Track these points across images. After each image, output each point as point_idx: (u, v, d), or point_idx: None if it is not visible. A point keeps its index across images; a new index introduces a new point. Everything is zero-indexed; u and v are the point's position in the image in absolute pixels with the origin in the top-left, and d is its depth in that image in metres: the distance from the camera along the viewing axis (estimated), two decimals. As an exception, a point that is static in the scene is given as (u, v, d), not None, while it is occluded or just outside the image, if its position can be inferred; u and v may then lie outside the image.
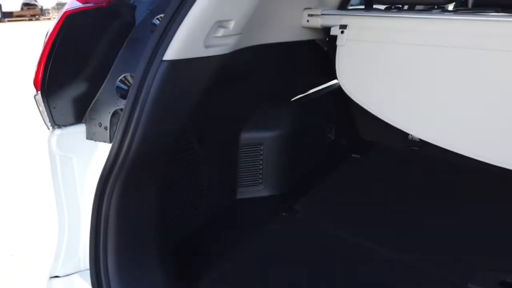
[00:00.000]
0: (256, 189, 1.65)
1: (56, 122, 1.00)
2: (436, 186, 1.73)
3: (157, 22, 1.05)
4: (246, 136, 1.59)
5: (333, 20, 1.60)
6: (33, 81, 0.92)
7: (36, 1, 16.85)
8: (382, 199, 1.65)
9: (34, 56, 0.99)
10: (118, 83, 1.01)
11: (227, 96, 1.46)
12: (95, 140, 1.04)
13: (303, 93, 1.87)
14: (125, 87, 1.01)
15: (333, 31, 1.60)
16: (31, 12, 16.34)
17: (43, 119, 0.99)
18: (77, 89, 1.01)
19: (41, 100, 0.94)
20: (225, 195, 1.58)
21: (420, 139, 1.71)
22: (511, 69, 1.23)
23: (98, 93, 1.03)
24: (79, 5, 0.96)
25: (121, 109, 0.99)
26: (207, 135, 1.42)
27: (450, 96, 1.35)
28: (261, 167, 1.63)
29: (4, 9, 15.32)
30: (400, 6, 1.60)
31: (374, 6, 1.82)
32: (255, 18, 1.38)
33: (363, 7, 1.95)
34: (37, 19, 16.21)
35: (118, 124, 0.94)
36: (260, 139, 1.60)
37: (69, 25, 0.94)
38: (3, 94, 4.95)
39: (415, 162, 1.95)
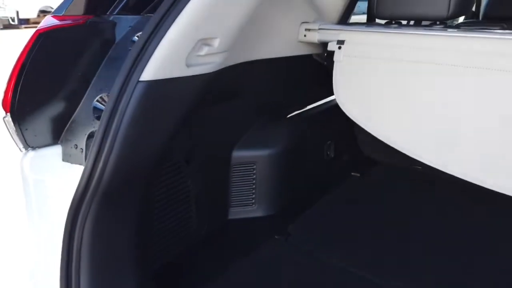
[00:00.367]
0: (249, 209, 1.58)
1: (29, 144, 0.95)
2: (440, 209, 1.65)
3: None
4: (239, 154, 1.53)
5: (331, 35, 1.54)
6: (1, 102, 0.88)
7: (52, 8, 17.06)
8: (381, 222, 1.57)
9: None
10: (95, 103, 0.97)
11: (218, 114, 1.40)
12: (71, 163, 0.99)
13: (301, 109, 1.80)
14: (102, 108, 0.96)
15: (330, 47, 1.54)
16: (46, 19, 16.53)
17: (14, 141, 0.94)
18: (52, 109, 0.97)
19: (11, 122, 0.90)
20: (215, 216, 1.52)
21: None
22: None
23: (75, 114, 0.98)
24: (54, 22, 0.92)
25: None
26: (195, 154, 1.36)
27: (452, 118, 1.28)
28: (254, 186, 1.56)
29: (21, 16, 15.58)
30: (401, 21, 1.53)
31: (377, 21, 1.76)
32: (247, 33, 1.33)
33: (364, 21, 1.88)
34: (51, 27, 16.36)
35: (91, 147, 0.89)
36: (253, 158, 1.54)
37: (42, 43, 0.90)
38: None
39: (418, 182, 1.86)
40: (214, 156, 1.46)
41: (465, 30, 1.27)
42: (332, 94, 1.90)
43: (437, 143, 1.31)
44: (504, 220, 1.55)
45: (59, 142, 0.99)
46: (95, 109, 0.96)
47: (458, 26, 1.42)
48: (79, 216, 0.94)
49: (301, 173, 1.73)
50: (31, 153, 0.96)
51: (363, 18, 2.22)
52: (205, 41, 1.01)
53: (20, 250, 1.92)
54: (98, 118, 0.95)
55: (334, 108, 1.91)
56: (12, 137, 0.94)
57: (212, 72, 1.09)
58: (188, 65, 0.99)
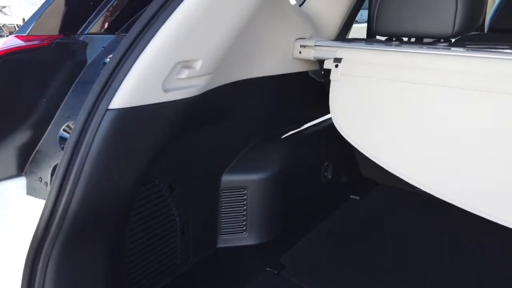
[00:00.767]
0: (239, 237, 1.48)
1: (-12, 176, 0.86)
2: (443, 236, 1.54)
3: (112, 61, 0.92)
4: (228, 178, 1.43)
5: (327, 53, 1.45)
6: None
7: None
8: (381, 251, 1.46)
9: None
10: (61, 132, 0.88)
11: (206, 136, 1.31)
12: (35, 197, 0.90)
13: (296, 129, 1.71)
14: (70, 137, 0.87)
15: (327, 65, 1.45)
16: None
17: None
18: (15, 138, 0.88)
19: (-35, 153, 0.81)
20: (203, 244, 1.42)
21: None
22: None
23: (40, 144, 0.89)
24: (17, 43, 0.83)
25: None
26: (180, 179, 1.27)
27: (455, 144, 1.18)
28: (244, 213, 1.46)
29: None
30: (402, 38, 1.44)
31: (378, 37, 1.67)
32: (237, 52, 1.25)
33: (363, 37, 1.79)
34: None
35: (52, 182, 0.80)
36: (244, 182, 1.45)
37: (3, 66, 0.81)
38: None
39: (421, 206, 1.75)
40: (201, 181, 1.36)
41: (472, 49, 1.18)
42: (329, 112, 1.81)
43: (440, 172, 1.21)
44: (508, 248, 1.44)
45: (23, 174, 0.90)
46: (62, 139, 0.87)
47: (463, 43, 1.32)
48: (42, 254, 0.85)
49: (296, 197, 1.63)
50: (-9, 186, 0.87)
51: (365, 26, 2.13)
52: (185, 64, 0.92)
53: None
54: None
55: (332, 127, 1.81)
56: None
57: (195, 96, 1.00)
58: (165, 90, 0.90)
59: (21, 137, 0.90)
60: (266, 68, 1.45)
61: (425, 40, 1.40)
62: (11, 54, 0.84)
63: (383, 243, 1.52)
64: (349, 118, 1.40)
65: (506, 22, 2.20)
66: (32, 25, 0.84)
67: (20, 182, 0.91)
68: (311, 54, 1.49)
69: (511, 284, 1.26)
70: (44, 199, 0.89)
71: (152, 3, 0.88)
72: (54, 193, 0.81)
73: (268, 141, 1.56)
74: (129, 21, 0.95)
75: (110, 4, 0.95)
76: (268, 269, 1.36)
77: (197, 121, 1.17)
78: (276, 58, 1.48)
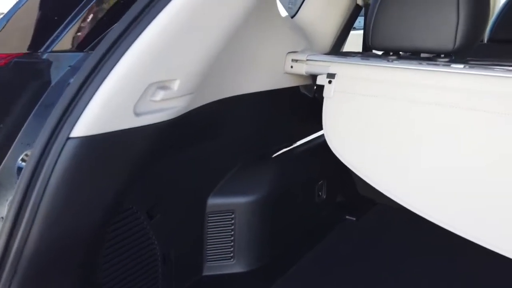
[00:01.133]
0: (226, 264, 1.38)
1: None
2: (441, 260, 1.44)
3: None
4: (215, 202, 1.34)
5: (320, 68, 1.37)
6: None
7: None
8: (379, 276, 1.37)
9: None
10: (19, 162, 0.79)
11: (189, 158, 1.22)
12: (-9, 233, 0.81)
13: (288, 146, 1.62)
14: (29, 168, 0.78)
15: (320, 80, 1.36)
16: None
17: None
18: (-32, 168, 0.79)
19: None
20: (187, 272, 1.32)
21: None
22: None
23: None
24: (-31, 63, 0.75)
25: None
26: (161, 205, 1.17)
27: (454, 167, 1.09)
28: (232, 238, 1.37)
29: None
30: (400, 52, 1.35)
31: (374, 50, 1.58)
32: (223, 68, 1.16)
33: (359, 50, 1.71)
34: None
35: (4, 218, 0.71)
36: (231, 206, 1.35)
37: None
38: None
39: (419, 225, 1.66)
40: (185, 205, 1.27)
41: (473, 66, 1.10)
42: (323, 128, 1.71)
43: (437, 196, 1.12)
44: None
45: (-21, 206, 0.81)
46: (19, 169, 0.78)
47: (465, 59, 1.24)
48: None
49: (289, 219, 1.53)
50: None
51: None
52: (160, 84, 0.84)
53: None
54: (23, 180, 0.77)
55: (326, 143, 1.73)
56: None
57: (173, 118, 0.91)
58: (137, 114, 0.81)
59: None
60: (256, 84, 1.36)
61: (424, 54, 1.32)
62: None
63: (381, 268, 1.43)
64: (342, 137, 1.31)
65: (506, 33, 2.13)
66: (-13, 42, 0.76)
67: (-25, 216, 0.82)
68: (303, 69, 1.41)
69: None
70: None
71: (123, 17, 0.79)
72: (7, 229, 0.71)
73: (258, 160, 1.47)
74: (99, 37, 0.86)
75: (78, 19, 0.87)
76: None
77: (178, 144, 1.08)
78: (266, 73, 1.39)
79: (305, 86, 1.54)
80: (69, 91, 0.72)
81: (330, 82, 1.33)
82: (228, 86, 1.24)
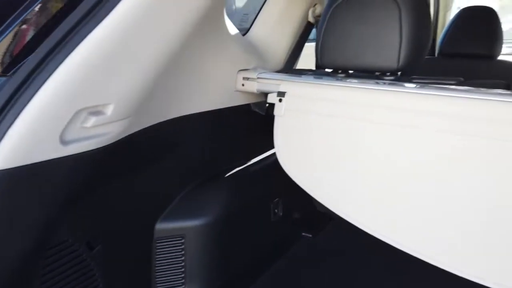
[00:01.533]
0: (177, 291, 1.32)
1: None
2: (398, 276, 1.45)
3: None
4: (163, 227, 1.28)
5: (271, 86, 1.35)
6: None
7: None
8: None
9: None
10: None
11: (134, 182, 1.16)
12: None
13: (242, 165, 1.59)
14: None
15: (270, 99, 1.35)
16: None
17: None
18: None
19: None
20: (135, 303, 1.25)
21: None
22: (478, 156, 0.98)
23: None
24: None
25: None
26: (103, 234, 1.10)
27: (399, 183, 1.10)
28: (183, 263, 1.31)
29: None
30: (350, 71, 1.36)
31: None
32: (167, 88, 1.12)
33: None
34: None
35: None
36: (181, 230, 1.30)
37: None
38: None
39: (377, 243, 1.67)
40: (130, 232, 1.20)
41: (416, 85, 1.11)
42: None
43: (384, 213, 1.12)
44: None
45: None
46: None
47: (410, 77, 1.27)
48: None
49: (243, 240, 1.49)
50: None
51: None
52: (92, 109, 0.78)
53: None
54: None
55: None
56: None
57: (108, 144, 0.86)
58: (65, 142, 0.75)
59: None
60: (206, 103, 1.32)
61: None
62: None
63: (337, 285, 1.42)
64: (292, 155, 1.29)
65: (454, 47, 2.22)
66: None
67: None
68: (254, 87, 1.39)
69: None
70: None
71: (48, 38, 0.74)
72: None
73: (210, 181, 1.42)
74: (25, 60, 0.80)
75: (1, 38, 0.81)
76: None
77: (117, 171, 1.02)
78: (216, 92, 1.36)
79: (258, 104, 1.52)
80: (-18, 119, 0.65)
81: (280, 100, 1.31)
82: (175, 106, 1.19)
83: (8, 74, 0.79)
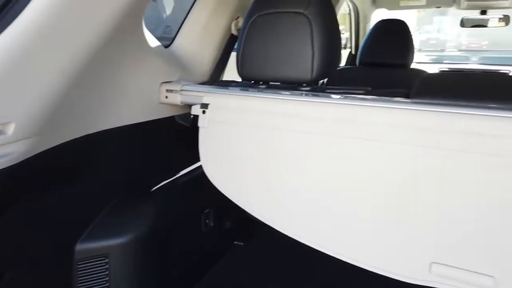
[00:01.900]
0: (103, 313, 1.27)
1: None
2: (333, 280, 1.51)
3: None
4: (85, 247, 1.22)
5: (194, 98, 1.36)
6: None
7: None
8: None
9: None
10: None
11: (47, 203, 1.09)
12: None
13: (169, 178, 1.57)
14: None
15: (194, 111, 1.35)
16: None
17: None
18: None
19: None
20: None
21: None
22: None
23: None
24: None
25: None
26: (14, 260, 1.03)
27: (321, 190, 1.16)
28: (108, 284, 1.26)
29: None
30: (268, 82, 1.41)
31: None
32: (87, 102, 1.08)
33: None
34: None
35: None
36: (104, 249, 1.24)
37: None
38: None
39: (306, 248, 1.73)
40: (47, 255, 1.13)
41: (327, 95, 1.18)
42: (206, 157, 1.69)
43: (303, 218, 1.17)
44: None
45: None
46: None
47: (323, 87, 1.34)
48: None
49: (173, 255, 1.47)
50: None
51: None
52: (-12, 129, 0.74)
53: None
54: None
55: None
56: None
57: (11, 166, 0.80)
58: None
59: None
60: (127, 116, 1.29)
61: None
62: None
63: None
64: (218, 166, 1.31)
65: (371, 57, 2.41)
66: None
67: None
68: (178, 99, 1.39)
69: None
70: None
71: None
72: None
73: (135, 196, 1.39)
74: None
75: None
76: None
77: (23, 193, 0.96)
78: (139, 105, 1.33)
79: (182, 116, 1.52)
80: None
81: (204, 112, 1.32)
82: (93, 121, 1.15)
83: None
